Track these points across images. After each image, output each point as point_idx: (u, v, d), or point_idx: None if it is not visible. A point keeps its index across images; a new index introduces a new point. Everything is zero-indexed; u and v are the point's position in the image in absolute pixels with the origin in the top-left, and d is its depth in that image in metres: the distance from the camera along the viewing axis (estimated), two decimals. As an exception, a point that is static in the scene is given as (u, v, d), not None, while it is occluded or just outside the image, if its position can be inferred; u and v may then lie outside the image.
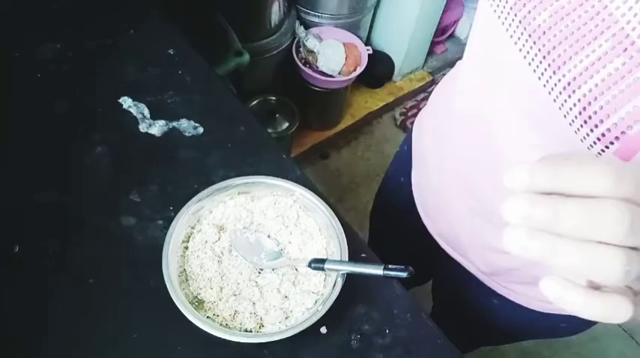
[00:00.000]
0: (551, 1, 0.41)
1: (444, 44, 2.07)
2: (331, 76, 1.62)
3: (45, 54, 0.80)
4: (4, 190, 0.68)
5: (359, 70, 1.64)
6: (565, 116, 0.42)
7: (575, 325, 0.70)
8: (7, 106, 0.75)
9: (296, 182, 0.66)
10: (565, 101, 0.41)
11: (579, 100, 0.40)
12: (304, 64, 1.61)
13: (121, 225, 0.66)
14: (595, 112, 0.39)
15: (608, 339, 1.53)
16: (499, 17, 0.47)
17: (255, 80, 1.60)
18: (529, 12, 0.43)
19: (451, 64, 2.11)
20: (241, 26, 1.39)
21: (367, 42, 1.91)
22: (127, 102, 0.76)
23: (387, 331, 0.60)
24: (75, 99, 0.77)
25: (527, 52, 0.44)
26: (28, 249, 0.63)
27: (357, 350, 0.59)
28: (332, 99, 1.73)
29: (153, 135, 0.74)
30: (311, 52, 1.61)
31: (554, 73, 0.41)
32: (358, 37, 1.69)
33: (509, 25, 0.45)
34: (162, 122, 0.75)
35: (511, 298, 0.70)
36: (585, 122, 0.40)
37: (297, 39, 1.61)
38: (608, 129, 0.38)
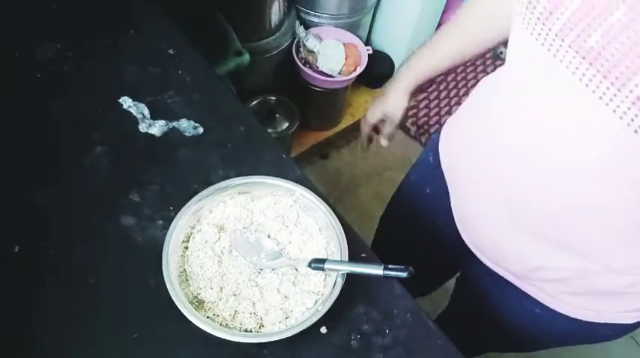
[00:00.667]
0: (600, 21, 0.41)
1: (444, 44, 2.07)
2: (331, 76, 1.61)
3: (45, 54, 0.80)
4: (4, 190, 0.68)
5: (359, 70, 1.63)
6: (636, 131, 0.42)
7: (615, 331, 0.69)
8: (7, 106, 0.75)
9: (296, 182, 0.66)
10: (636, 115, 0.41)
11: None
12: (304, 64, 1.61)
13: (121, 224, 0.66)
14: None
15: (609, 339, 1.53)
16: (542, 44, 0.47)
17: (255, 80, 1.60)
18: (578, 35, 0.43)
19: (451, 64, 2.10)
20: (241, 26, 1.39)
21: (367, 42, 1.90)
22: (127, 102, 0.76)
23: (387, 331, 0.60)
24: (75, 100, 0.77)
25: (583, 75, 0.44)
26: (28, 249, 0.63)
27: (357, 350, 0.59)
28: (332, 99, 1.73)
29: (153, 135, 0.74)
30: (311, 52, 1.61)
31: (618, 90, 0.41)
32: (358, 36, 1.68)
33: (557, 50, 0.45)
34: (162, 122, 0.75)
35: (553, 306, 0.68)
36: None
37: (297, 39, 1.61)
38: None
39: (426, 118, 1.95)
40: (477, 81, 2.06)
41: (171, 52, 0.83)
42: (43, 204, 0.67)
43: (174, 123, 0.75)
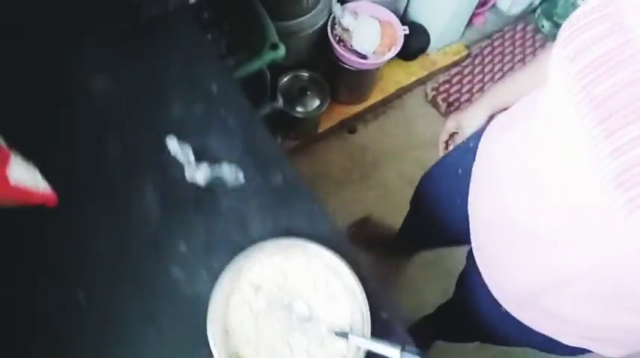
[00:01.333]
0: (613, 72, 0.46)
1: (483, 15, 1.99)
2: (365, 57, 1.60)
3: (92, 88, 0.84)
4: (58, 237, 0.75)
5: (393, 52, 1.62)
6: (601, 178, 0.46)
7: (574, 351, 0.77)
8: (59, 144, 0.80)
9: (327, 237, 0.72)
10: (607, 164, 0.46)
11: (621, 165, 0.45)
12: (338, 42, 1.60)
13: (171, 276, 0.73)
14: (631, 177, 0.44)
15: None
16: (563, 81, 0.51)
17: (288, 56, 1.60)
18: (592, 80, 0.48)
19: (488, 36, 2.03)
20: (278, 5, 1.37)
21: (404, 13, 1.85)
22: (172, 143, 0.81)
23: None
24: (126, 138, 0.81)
25: (584, 117, 0.48)
26: (90, 296, 0.72)
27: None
28: (363, 78, 1.72)
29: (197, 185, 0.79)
30: (346, 30, 1.59)
31: (606, 138, 0.46)
32: (395, 9, 1.64)
33: (571, 89, 0.50)
34: (205, 166, 0.80)
35: (525, 321, 0.78)
36: (620, 184, 0.45)
37: (332, 16, 1.58)
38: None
39: (457, 94, 1.93)
40: (514, 56, 2.00)
41: (214, 89, 0.86)
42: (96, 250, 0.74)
43: (218, 174, 0.79)
